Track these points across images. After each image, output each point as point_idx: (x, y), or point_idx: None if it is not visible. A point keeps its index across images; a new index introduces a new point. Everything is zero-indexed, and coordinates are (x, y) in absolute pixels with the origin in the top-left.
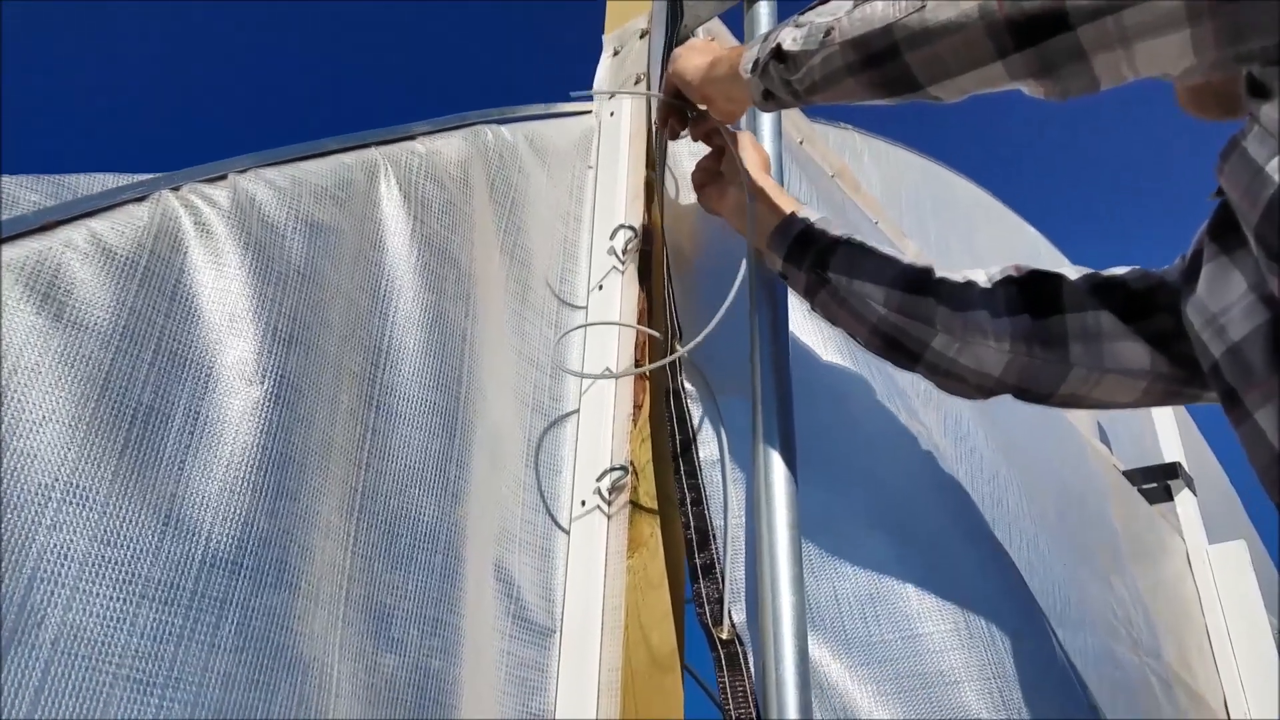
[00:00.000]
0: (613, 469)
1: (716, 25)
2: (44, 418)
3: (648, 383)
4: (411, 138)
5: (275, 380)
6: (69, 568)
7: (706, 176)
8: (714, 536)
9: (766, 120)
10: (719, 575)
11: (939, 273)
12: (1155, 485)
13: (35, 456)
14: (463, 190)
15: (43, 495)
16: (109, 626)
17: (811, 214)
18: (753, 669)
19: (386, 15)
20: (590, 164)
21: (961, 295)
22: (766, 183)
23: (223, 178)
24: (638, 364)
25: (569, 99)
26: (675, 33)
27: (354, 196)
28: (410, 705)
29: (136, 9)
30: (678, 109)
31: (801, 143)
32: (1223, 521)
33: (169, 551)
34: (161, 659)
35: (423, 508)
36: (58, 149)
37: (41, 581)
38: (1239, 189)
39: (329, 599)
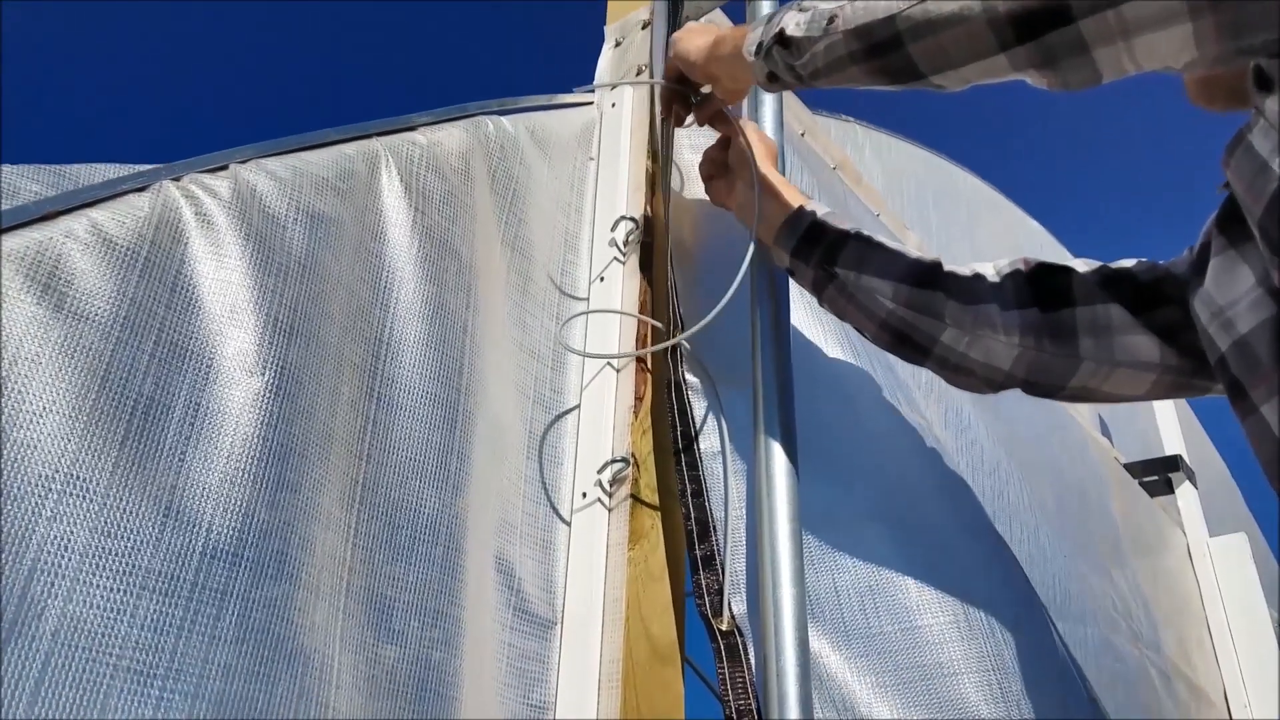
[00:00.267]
0: (614, 461)
1: (719, 16)
2: (44, 409)
3: (649, 375)
4: (413, 128)
5: (276, 371)
6: (69, 559)
7: (714, 169)
8: (714, 528)
9: (768, 111)
10: (719, 567)
11: (947, 266)
12: (1156, 478)
13: (35, 448)
14: (464, 181)
15: (43, 486)
16: (109, 618)
17: (819, 208)
18: (752, 660)
19: (388, 7)
20: (592, 155)
21: (970, 289)
22: (773, 176)
23: (224, 168)
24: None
25: (571, 92)
26: (676, 24)
27: (355, 187)
28: (411, 697)
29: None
30: (681, 94)
31: (803, 134)
32: (1223, 514)
33: (169, 543)
34: (162, 650)
35: (424, 500)
36: (58, 139)
37: (42, 573)
38: (1244, 182)
39: (330, 591)
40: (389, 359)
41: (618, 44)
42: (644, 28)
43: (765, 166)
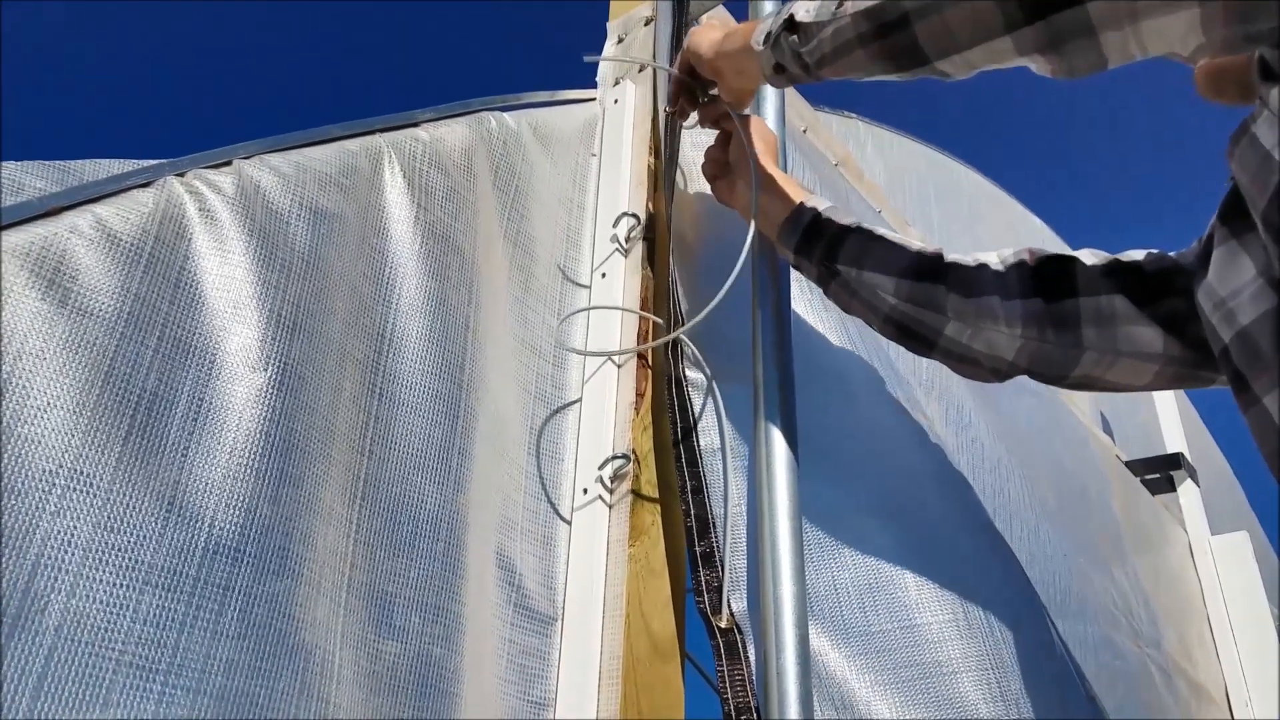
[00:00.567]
0: (614, 457)
1: (721, 12)
2: (48, 404)
3: (650, 371)
4: (416, 124)
5: (279, 367)
6: (72, 554)
7: (717, 168)
8: (714, 525)
9: (770, 107)
10: (718, 564)
11: (949, 257)
12: (1158, 475)
13: (39, 443)
14: (466, 177)
15: (46, 481)
16: (112, 613)
17: (821, 203)
18: (752, 658)
19: (393, 4)
20: (594, 151)
21: (973, 280)
22: (775, 172)
23: (227, 164)
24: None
25: (573, 89)
26: (683, 19)
27: (358, 183)
28: (411, 693)
29: None
30: (689, 88)
31: (805, 131)
32: (1225, 512)
33: (172, 538)
34: (164, 645)
35: (425, 495)
36: (63, 135)
37: (45, 568)
38: (1248, 174)
39: (331, 586)
40: (391, 355)
41: (620, 40)
42: (646, 24)
43: (766, 163)
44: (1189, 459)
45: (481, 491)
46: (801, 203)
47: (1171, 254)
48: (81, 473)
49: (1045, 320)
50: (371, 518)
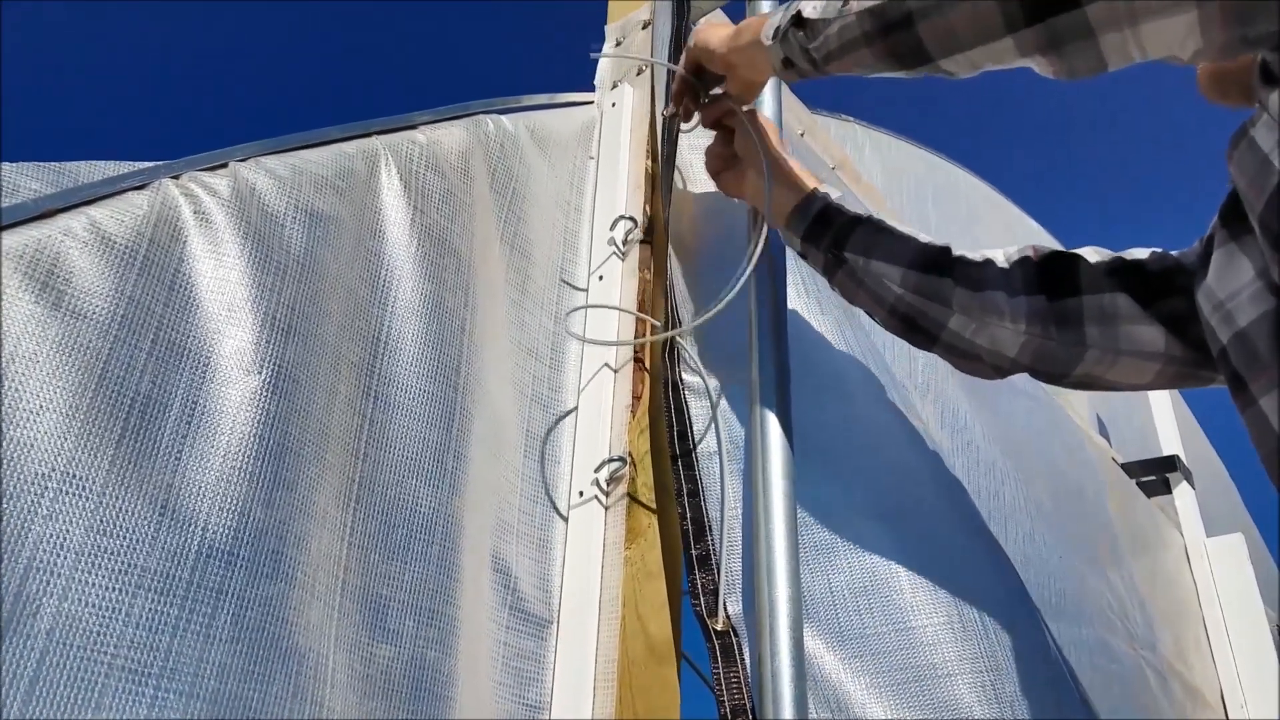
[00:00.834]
0: (611, 460)
1: (718, 17)
2: (41, 407)
3: (646, 374)
4: (413, 127)
5: (273, 370)
6: (65, 558)
7: (721, 162)
8: (710, 528)
9: (768, 111)
10: (714, 566)
11: (956, 251)
12: (1153, 478)
13: (32, 446)
14: (463, 180)
15: (39, 485)
16: (104, 616)
17: (832, 191)
18: (747, 660)
19: (391, 6)
20: (591, 154)
21: (978, 275)
22: (784, 158)
23: (223, 166)
24: (637, 351)
25: (570, 91)
26: (684, 23)
27: (354, 186)
28: (406, 697)
29: None
30: (693, 88)
31: (803, 134)
32: (1221, 514)
33: (165, 542)
34: (157, 649)
35: (420, 498)
36: (58, 136)
37: (37, 571)
38: (1246, 177)
39: (325, 590)
40: (387, 357)
41: (618, 43)
42: (644, 27)
43: (775, 150)
44: (1185, 461)
45: (477, 494)
46: (813, 190)
47: (1174, 253)
48: (74, 476)
49: (1049, 317)
50: (366, 521)
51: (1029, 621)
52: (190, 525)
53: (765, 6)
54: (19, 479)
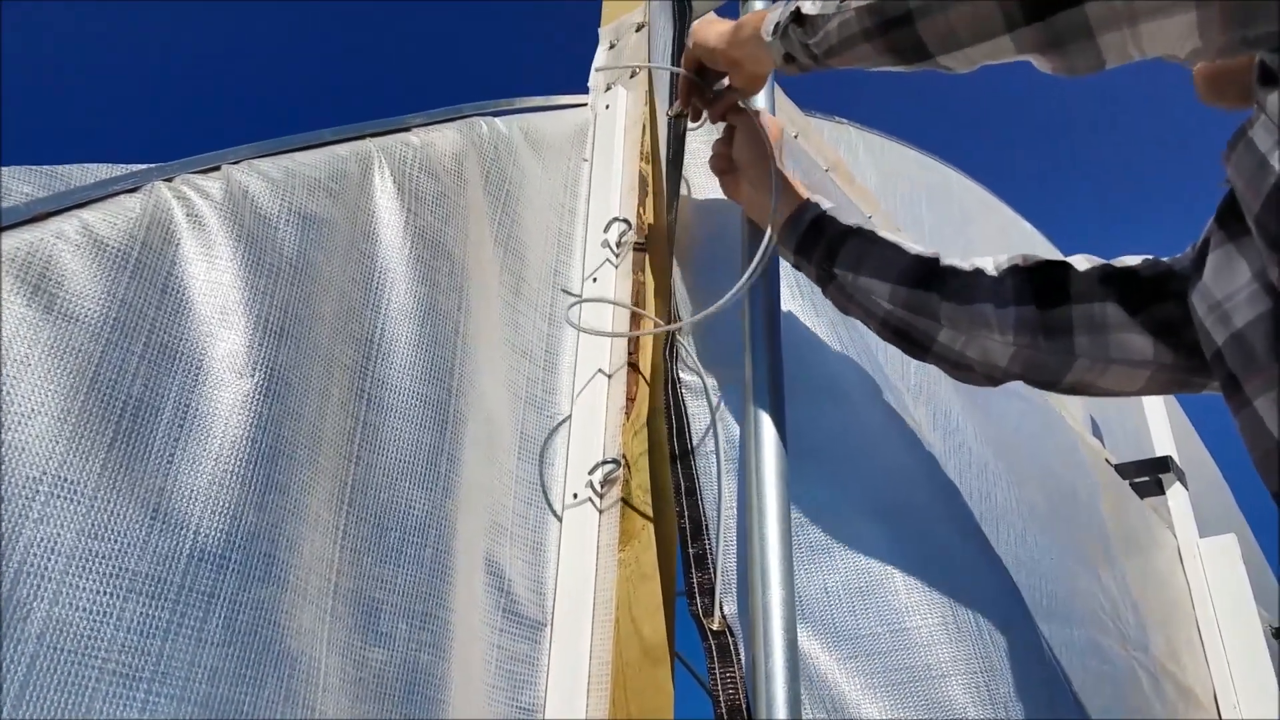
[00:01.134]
0: (605, 462)
1: (713, 16)
2: (33, 410)
3: (640, 375)
4: (406, 129)
5: (265, 373)
6: (56, 561)
7: (725, 162)
8: (706, 528)
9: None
10: (711, 566)
11: (945, 261)
12: (1146, 479)
13: (23, 449)
14: (457, 182)
15: (30, 488)
16: (95, 620)
17: (824, 202)
18: (744, 659)
19: (386, 7)
20: (585, 157)
21: (967, 287)
22: (779, 170)
23: (216, 169)
24: (632, 354)
25: (563, 94)
26: (685, 24)
27: (347, 188)
28: (398, 699)
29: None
30: (699, 87)
31: (796, 136)
32: (1214, 515)
33: (156, 545)
34: (148, 653)
35: (413, 501)
36: (51, 139)
37: (28, 575)
38: (1244, 178)
39: (317, 593)
40: (380, 360)
41: (612, 46)
42: (638, 30)
43: (774, 157)
44: (1178, 462)
45: (470, 497)
46: (805, 201)
47: (1165, 259)
48: (66, 479)
49: (1038, 328)
50: (359, 524)
51: (1022, 622)
52: (182, 529)
53: (759, 4)
54: (10, 482)
